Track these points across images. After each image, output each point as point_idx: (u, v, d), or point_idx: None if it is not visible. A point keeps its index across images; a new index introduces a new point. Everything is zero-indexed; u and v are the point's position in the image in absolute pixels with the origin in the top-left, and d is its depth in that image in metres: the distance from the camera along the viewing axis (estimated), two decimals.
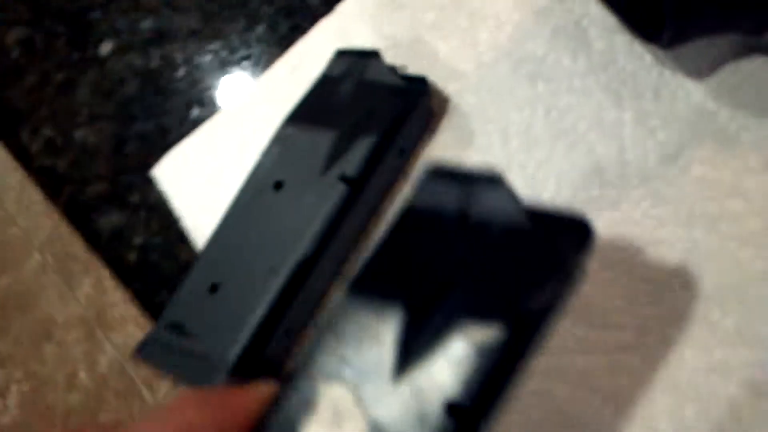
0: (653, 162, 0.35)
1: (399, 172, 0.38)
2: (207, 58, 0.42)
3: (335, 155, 0.36)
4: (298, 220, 0.35)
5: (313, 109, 0.37)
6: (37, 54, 0.45)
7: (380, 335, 0.26)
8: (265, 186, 0.36)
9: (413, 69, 0.38)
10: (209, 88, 0.42)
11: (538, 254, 0.26)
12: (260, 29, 0.41)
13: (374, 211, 0.37)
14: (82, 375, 1.56)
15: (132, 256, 0.40)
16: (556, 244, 0.26)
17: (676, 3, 0.32)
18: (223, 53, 0.42)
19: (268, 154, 0.37)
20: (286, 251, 0.35)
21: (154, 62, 0.43)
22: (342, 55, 0.38)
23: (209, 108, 0.41)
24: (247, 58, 0.41)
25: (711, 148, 0.34)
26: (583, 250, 0.27)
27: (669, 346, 0.32)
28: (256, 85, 0.41)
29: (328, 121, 0.36)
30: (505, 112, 0.38)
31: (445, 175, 0.30)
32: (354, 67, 0.38)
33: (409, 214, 0.30)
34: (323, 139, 0.36)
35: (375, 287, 0.28)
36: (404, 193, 0.38)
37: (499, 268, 0.26)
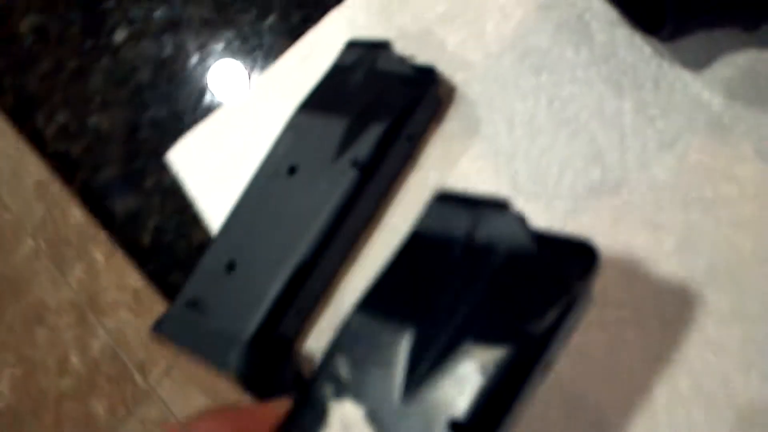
0: (652, 149, 0.37)
1: (408, 159, 0.39)
2: (219, 46, 0.43)
3: (347, 141, 0.37)
4: (311, 203, 0.36)
5: (326, 97, 0.39)
6: (51, 41, 0.46)
7: (388, 355, 0.27)
8: (279, 170, 0.37)
9: (421, 59, 0.40)
10: (221, 76, 0.43)
11: (544, 278, 0.27)
12: (272, 19, 0.43)
13: (383, 196, 0.39)
14: (74, 359, 1.57)
15: (146, 239, 0.42)
16: (561, 268, 0.27)
17: None
18: (236, 42, 0.43)
19: (281, 140, 0.38)
20: (300, 233, 0.36)
21: (168, 50, 0.44)
22: (353, 45, 0.39)
23: (221, 95, 0.43)
24: (258, 47, 0.43)
25: (707, 136, 0.36)
26: (588, 275, 0.27)
27: (665, 324, 0.34)
28: (268, 74, 0.42)
29: (339, 108, 0.38)
30: (510, 102, 0.39)
31: (453, 200, 0.31)
32: (365, 56, 0.39)
33: (417, 237, 0.30)
34: (335, 126, 0.37)
35: (383, 308, 0.29)
36: (412, 179, 0.39)
37: (505, 292, 0.27)
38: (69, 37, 0.46)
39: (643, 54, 0.38)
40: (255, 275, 0.36)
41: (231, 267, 0.37)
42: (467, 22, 0.41)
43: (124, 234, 0.42)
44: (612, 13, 0.39)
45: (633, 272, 0.35)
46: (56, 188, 1.58)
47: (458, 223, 0.30)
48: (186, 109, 0.43)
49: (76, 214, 1.56)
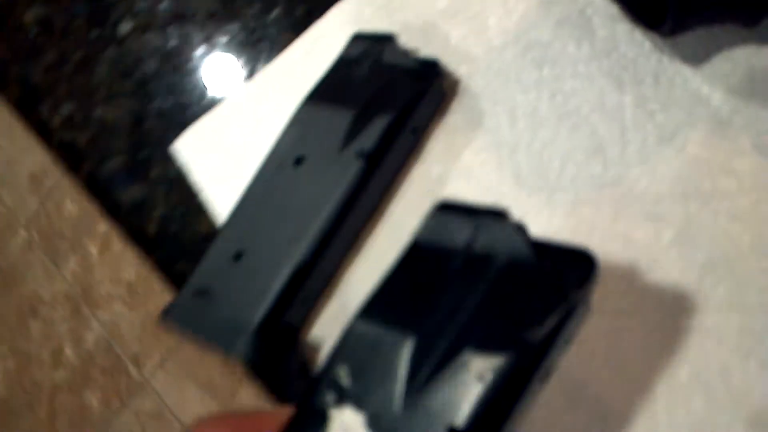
0: (652, 143, 0.38)
1: (411, 151, 0.40)
2: (224, 39, 0.44)
3: (353, 133, 0.38)
4: (318, 193, 0.37)
5: (331, 90, 0.39)
6: (56, 33, 0.47)
7: (389, 363, 0.27)
8: (285, 161, 0.38)
9: (425, 53, 0.40)
10: (226, 68, 0.44)
11: (542, 287, 0.27)
12: (276, 12, 0.43)
13: (387, 188, 0.39)
14: (68, 352, 1.57)
15: (152, 228, 0.42)
16: (560, 277, 0.28)
17: None
18: (240, 35, 0.44)
19: (288, 131, 0.39)
20: (307, 223, 0.37)
21: (173, 42, 0.45)
22: (358, 38, 0.40)
23: (226, 87, 0.43)
24: (263, 40, 0.43)
25: (706, 130, 0.37)
26: (587, 284, 0.28)
27: (665, 314, 0.35)
28: (273, 66, 0.43)
29: (345, 100, 0.38)
30: (512, 95, 0.40)
31: (453, 210, 0.31)
32: (370, 50, 0.39)
33: (417, 247, 0.31)
34: (341, 118, 0.38)
35: (384, 317, 0.29)
36: (415, 171, 0.40)
37: (504, 300, 0.28)
38: (74, 28, 0.46)
39: (643, 49, 0.39)
40: (262, 264, 0.36)
41: (238, 256, 0.37)
42: (470, 16, 0.41)
43: (130, 224, 0.43)
44: (613, 9, 0.39)
45: (633, 263, 0.36)
46: (52, 181, 1.58)
47: (458, 233, 0.30)
48: (191, 101, 0.43)
49: (71, 207, 1.56)
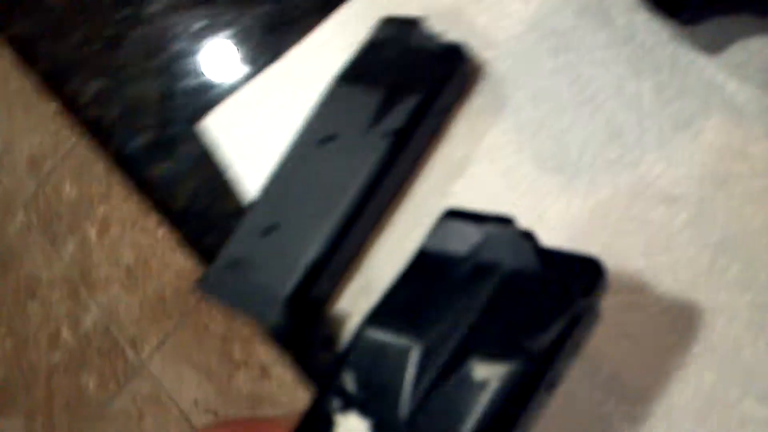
0: (668, 129, 0.39)
1: (437, 131, 0.41)
2: (253, 20, 0.45)
3: (381, 113, 0.39)
4: (347, 170, 0.38)
5: (360, 71, 0.40)
6: (85, 10, 0.48)
7: (395, 370, 0.27)
8: (317, 139, 0.39)
9: (451, 37, 0.41)
10: (255, 47, 0.45)
11: (547, 295, 0.28)
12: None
13: (412, 167, 0.41)
14: (66, 333, 1.58)
15: (180, 203, 0.43)
16: (565, 285, 0.28)
17: None
18: (269, 16, 0.45)
19: (318, 110, 0.40)
20: (336, 199, 0.38)
21: (201, 22, 0.46)
22: (387, 21, 0.41)
23: (255, 66, 0.44)
24: (291, 21, 0.44)
25: (720, 117, 0.39)
26: (594, 292, 0.28)
27: (680, 289, 0.36)
28: (301, 47, 0.44)
29: (374, 81, 0.40)
30: (533, 80, 0.42)
31: (460, 217, 0.32)
32: (398, 32, 0.41)
33: (424, 254, 0.31)
34: (370, 98, 0.39)
35: (391, 324, 0.29)
36: (439, 152, 0.41)
37: (510, 308, 0.28)
38: (103, 6, 0.47)
39: (660, 38, 0.41)
40: (293, 238, 0.38)
41: (270, 230, 0.39)
42: (495, 3, 0.43)
43: (158, 199, 0.44)
44: (642, 2, 0.41)
45: (648, 243, 0.38)
46: (51, 164, 1.59)
47: (464, 241, 0.30)
48: (218, 80, 0.44)
49: (69, 189, 1.56)
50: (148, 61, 0.46)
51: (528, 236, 0.29)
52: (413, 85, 0.40)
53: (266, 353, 1.38)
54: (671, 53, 0.40)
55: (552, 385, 0.27)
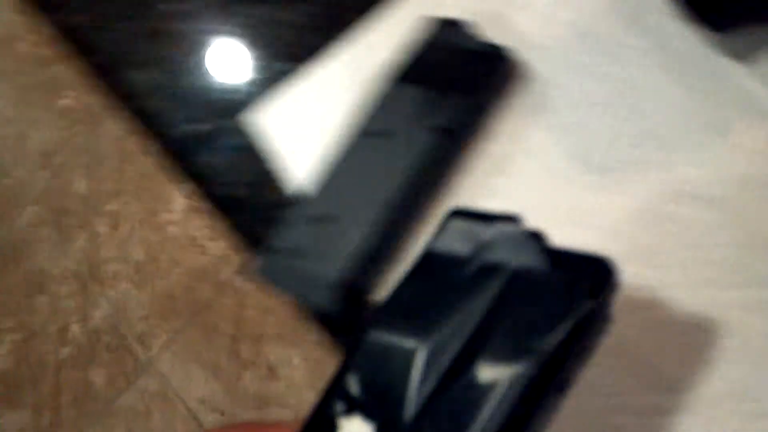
0: (701, 132, 0.41)
1: (479, 128, 0.43)
2: (298, 19, 0.46)
3: (429, 110, 0.41)
4: (397, 164, 0.40)
5: (409, 68, 0.42)
6: (145, 3, 0.49)
7: (399, 373, 0.27)
8: (369, 133, 0.41)
9: (493, 39, 0.43)
10: (297, 44, 0.46)
11: (555, 295, 0.27)
12: None
13: (457, 161, 0.42)
14: (75, 328, 1.59)
15: (228, 193, 0.45)
16: (573, 286, 0.27)
17: None
18: (311, 14, 0.46)
19: (369, 105, 0.42)
20: (386, 191, 0.40)
21: (250, 19, 0.47)
22: (433, 22, 0.43)
23: (297, 62, 0.46)
24: (334, 18, 0.46)
25: (750, 121, 0.40)
26: (604, 293, 0.27)
27: (711, 286, 0.38)
28: (347, 45, 0.45)
29: (422, 79, 0.41)
30: (572, 82, 0.43)
31: (465, 216, 0.32)
32: (444, 34, 0.42)
33: (430, 255, 0.31)
34: (419, 96, 0.41)
35: (396, 326, 0.29)
36: (480, 149, 0.43)
37: (515, 309, 0.27)
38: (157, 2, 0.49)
39: (695, 44, 0.42)
40: (344, 227, 0.39)
41: (322, 219, 0.40)
42: (536, 7, 0.44)
43: (206, 188, 0.45)
44: (668, 6, 0.42)
45: (680, 241, 0.39)
46: (62, 158, 1.60)
47: (470, 241, 0.30)
48: (266, 74, 0.46)
49: (80, 184, 1.57)
50: (192, 55, 0.48)
51: (536, 236, 0.29)
52: (458, 85, 0.41)
53: (275, 354, 1.40)
54: (704, 60, 0.42)
55: (562, 388, 0.27)
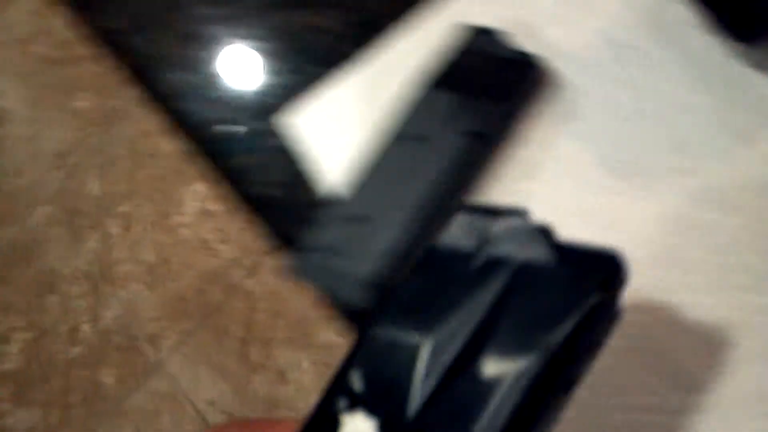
0: (727, 140, 0.42)
1: (510, 133, 0.44)
2: (333, 25, 0.48)
3: (462, 115, 0.42)
4: (431, 167, 0.41)
5: (443, 75, 0.43)
6: (183, 6, 0.51)
7: (403, 368, 0.26)
8: (404, 137, 0.42)
9: (525, 47, 0.44)
10: (330, 48, 0.48)
11: (562, 289, 0.27)
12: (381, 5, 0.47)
13: (489, 164, 0.44)
14: (85, 328, 1.60)
15: (263, 192, 0.46)
16: (581, 279, 0.27)
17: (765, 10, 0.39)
18: (344, 20, 0.48)
19: (405, 110, 0.43)
20: (420, 193, 0.41)
21: (288, 26, 0.49)
22: (466, 30, 0.44)
23: (330, 67, 0.47)
24: (368, 24, 0.47)
25: None
26: (613, 287, 0.27)
27: (737, 290, 0.39)
28: (381, 50, 0.47)
29: (456, 85, 0.43)
30: (601, 90, 0.44)
31: (472, 211, 0.31)
32: (477, 41, 0.44)
33: (433, 249, 0.31)
34: (452, 100, 0.42)
35: (399, 321, 0.28)
36: (510, 154, 0.44)
37: (522, 303, 0.27)
38: (183, 3, 0.50)
39: (720, 55, 0.44)
40: (378, 227, 0.41)
41: (357, 219, 0.41)
42: (566, 17, 0.46)
43: (241, 188, 0.46)
44: (697, 20, 0.44)
45: (706, 246, 0.40)
46: (76, 159, 1.61)
47: (476, 235, 0.30)
48: (301, 79, 0.47)
49: (93, 185, 1.59)
50: (227, 59, 0.49)
51: (543, 230, 0.29)
52: (490, 91, 0.43)
53: (284, 358, 1.40)
54: (729, 70, 0.43)
55: (570, 384, 0.26)
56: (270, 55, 0.49)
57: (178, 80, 0.49)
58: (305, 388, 1.36)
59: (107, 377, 1.47)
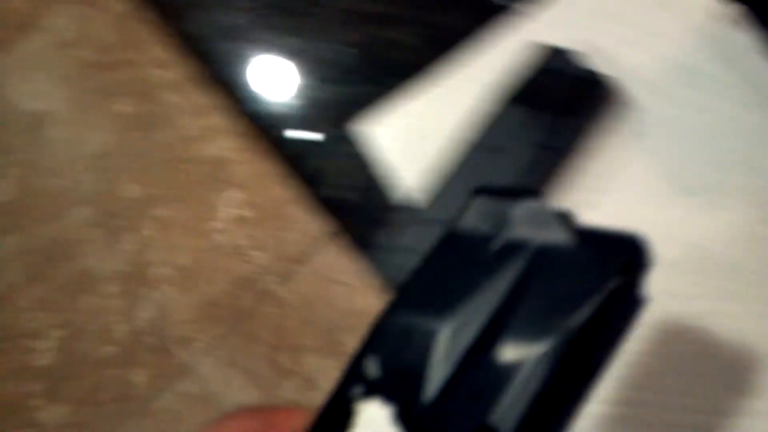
0: None
1: (580, 147, 0.46)
2: (409, 39, 0.50)
3: (535, 128, 0.44)
4: (503, 177, 0.43)
5: (518, 90, 0.46)
6: (264, 16, 0.53)
7: (420, 355, 0.26)
8: (477, 148, 0.44)
9: (595, 68, 0.46)
10: (410, 65, 0.50)
11: (582, 272, 0.26)
12: (460, 18, 0.49)
13: (559, 176, 0.46)
14: (119, 328, 1.63)
15: (337, 195, 0.48)
16: (602, 261, 0.26)
17: None
18: (419, 38, 0.50)
19: (478, 122, 0.45)
20: None
21: (368, 38, 0.51)
22: (544, 48, 0.46)
23: (409, 80, 0.49)
24: (448, 44, 0.50)
25: None
26: (635, 271, 0.26)
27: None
28: (462, 66, 0.49)
29: (530, 100, 0.45)
30: (666, 110, 0.46)
31: (489, 193, 0.30)
32: (552, 59, 0.46)
33: (450, 233, 0.30)
34: (526, 114, 0.44)
35: (415, 306, 0.28)
36: (580, 166, 0.46)
37: (541, 287, 0.26)
38: (279, 18, 0.53)
39: None
40: None
41: (431, 222, 0.43)
42: (636, 41, 0.48)
43: (316, 190, 0.48)
44: (757, 44, 0.46)
45: (763, 257, 0.42)
46: (115, 162, 1.64)
47: (493, 218, 0.29)
48: (378, 89, 0.50)
49: (131, 188, 1.62)
50: (307, 68, 0.51)
51: (563, 212, 0.28)
52: (563, 107, 0.45)
53: (313, 365, 1.42)
54: None
55: (591, 372, 0.25)
56: (348, 66, 0.51)
57: (261, 85, 0.52)
58: None
59: (138, 377, 1.50)
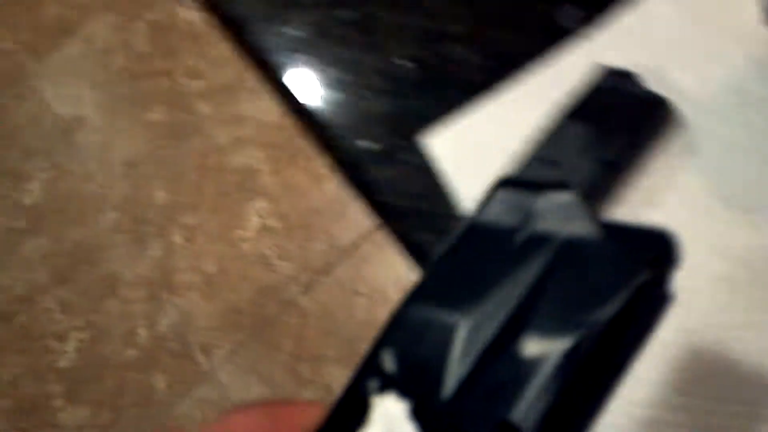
0: None
1: (635, 164, 0.48)
2: (473, 57, 0.53)
3: (593, 144, 0.46)
4: None
5: (578, 108, 0.48)
6: (322, 37, 0.56)
7: (438, 349, 0.25)
8: (537, 161, 0.46)
9: (655, 89, 0.48)
10: (475, 81, 0.52)
11: (608, 266, 0.25)
12: (525, 40, 0.52)
13: (614, 190, 0.48)
14: (141, 333, 1.66)
15: (396, 203, 0.50)
16: (628, 256, 0.25)
17: None
18: (481, 56, 0.52)
19: (539, 138, 0.47)
20: None
21: (431, 51, 0.54)
22: (603, 69, 0.48)
23: (472, 96, 0.51)
24: (510, 63, 0.52)
25: None
26: (662, 267, 0.25)
27: None
28: (524, 83, 0.51)
29: (589, 117, 0.47)
30: (722, 132, 0.48)
31: (513, 185, 0.30)
32: (611, 80, 0.48)
33: (473, 225, 0.29)
34: (585, 131, 0.46)
35: (435, 298, 0.27)
36: (636, 183, 0.48)
37: (565, 281, 0.25)
38: (345, 35, 0.55)
39: None
40: None
41: None
42: (694, 64, 0.50)
43: (376, 198, 0.51)
44: None
45: None
46: (145, 169, 1.67)
47: (518, 210, 0.28)
48: (441, 103, 0.52)
49: (160, 194, 1.65)
50: (378, 78, 0.54)
51: (589, 205, 0.27)
52: (620, 125, 0.47)
53: (333, 375, 1.44)
54: None
55: (616, 370, 0.24)
56: (407, 80, 0.53)
57: (324, 97, 0.54)
58: None
59: (159, 382, 1.51)
